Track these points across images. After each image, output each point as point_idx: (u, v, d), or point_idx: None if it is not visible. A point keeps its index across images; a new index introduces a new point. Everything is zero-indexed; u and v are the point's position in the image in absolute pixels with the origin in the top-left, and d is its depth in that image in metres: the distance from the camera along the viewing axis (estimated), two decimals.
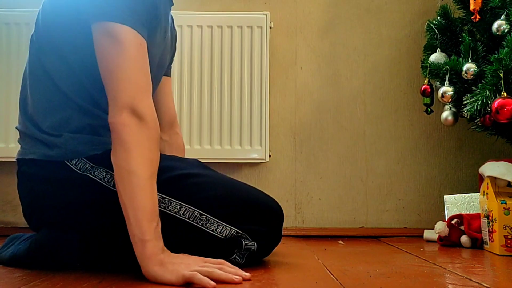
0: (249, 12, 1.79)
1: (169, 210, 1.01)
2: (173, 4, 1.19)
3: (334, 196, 1.81)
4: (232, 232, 1.01)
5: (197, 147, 1.72)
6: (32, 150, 1.05)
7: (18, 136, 1.12)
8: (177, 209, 1.01)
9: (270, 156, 1.77)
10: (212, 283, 0.85)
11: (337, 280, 0.94)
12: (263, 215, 1.05)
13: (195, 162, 1.13)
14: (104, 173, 1.03)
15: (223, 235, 1.01)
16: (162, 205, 1.00)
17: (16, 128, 1.12)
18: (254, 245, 1.03)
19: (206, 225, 1.01)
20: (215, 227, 1.01)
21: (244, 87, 1.74)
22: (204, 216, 1.01)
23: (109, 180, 1.02)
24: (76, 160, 1.03)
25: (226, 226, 1.01)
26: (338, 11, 1.86)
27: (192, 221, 1.01)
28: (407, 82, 1.84)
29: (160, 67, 1.18)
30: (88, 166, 1.03)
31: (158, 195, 0.97)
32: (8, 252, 1.11)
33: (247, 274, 0.92)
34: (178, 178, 1.04)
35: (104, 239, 1.04)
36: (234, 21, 1.76)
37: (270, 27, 1.79)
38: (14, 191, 1.76)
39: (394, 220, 1.80)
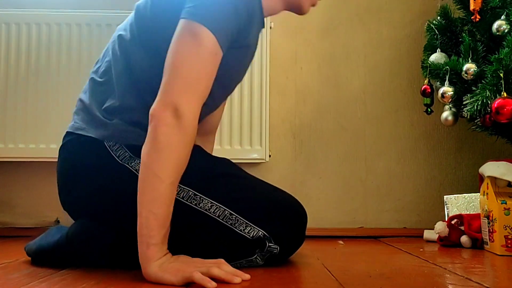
0: None
1: (200, 207, 1.02)
2: (263, 27, 1.19)
3: (333, 196, 1.81)
4: (259, 233, 1.03)
5: None
6: (82, 127, 1.09)
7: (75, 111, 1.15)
8: (208, 206, 1.03)
9: (270, 156, 1.76)
10: (213, 283, 0.85)
11: (337, 280, 0.94)
12: (289, 218, 1.08)
13: (227, 161, 1.14)
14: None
15: (251, 236, 1.03)
16: (193, 202, 1.02)
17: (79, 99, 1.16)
18: (277, 248, 1.05)
19: (235, 225, 1.03)
20: (243, 227, 1.03)
21: (244, 87, 1.74)
22: (234, 216, 1.03)
23: None
24: (118, 146, 1.05)
25: (254, 227, 1.03)
26: (338, 11, 1.86)
27: (222, 219, 1.03)
28: (407, 83, 1.84)
29: (234, 82, 1.20)
30: (127, 155, 1.05)
31: (190, 191, 1.02)
32: (35, 243, 1.13)
33: (246, 275, 0.92)
34: (212, 177, 1.06)
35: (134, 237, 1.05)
36: None
37: (270, 27, 1.78)
38: (12, 191, 1.78)
39: (393, 220, 1.80)
